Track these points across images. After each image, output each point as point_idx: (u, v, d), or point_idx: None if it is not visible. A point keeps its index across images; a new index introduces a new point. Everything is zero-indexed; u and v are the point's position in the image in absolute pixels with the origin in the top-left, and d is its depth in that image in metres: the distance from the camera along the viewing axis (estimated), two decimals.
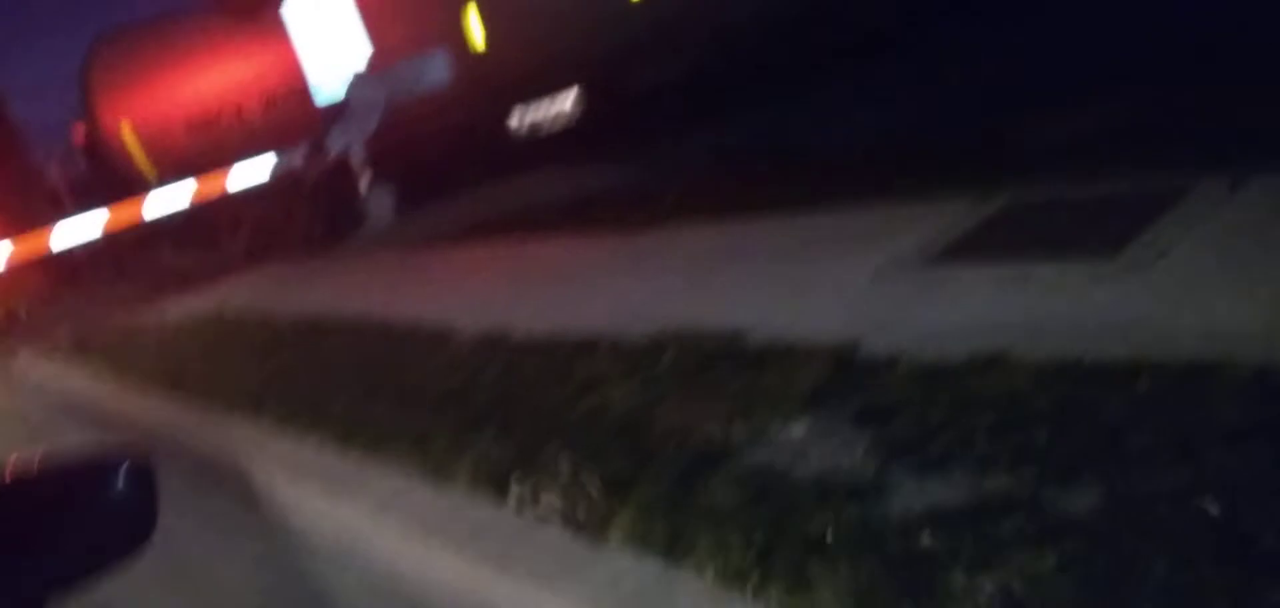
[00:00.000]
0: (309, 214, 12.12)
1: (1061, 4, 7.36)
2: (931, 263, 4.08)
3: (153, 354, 8.32)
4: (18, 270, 12.23)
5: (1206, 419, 2.34)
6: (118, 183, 13.24)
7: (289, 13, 12.64)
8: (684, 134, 9.18)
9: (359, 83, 11.61)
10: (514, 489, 3.39)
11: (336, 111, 11.89)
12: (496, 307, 6.02)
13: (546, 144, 10.72)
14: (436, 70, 12.09)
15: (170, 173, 12.68)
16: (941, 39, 8.04)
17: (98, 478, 1.56)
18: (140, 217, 12.37)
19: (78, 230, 12.31)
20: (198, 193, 12.42)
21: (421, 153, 11.67)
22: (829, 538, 2.39)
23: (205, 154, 12.66)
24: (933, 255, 4.13)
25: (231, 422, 5.44)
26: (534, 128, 11.27)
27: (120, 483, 1.54)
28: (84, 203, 13.48)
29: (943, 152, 5.50)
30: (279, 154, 12.42)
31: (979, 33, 7.70)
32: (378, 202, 11.72)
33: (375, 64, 11.71)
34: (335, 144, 11.68)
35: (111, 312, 12.00)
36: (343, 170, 11.77)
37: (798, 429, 3.07)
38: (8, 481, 1.49)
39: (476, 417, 4.23)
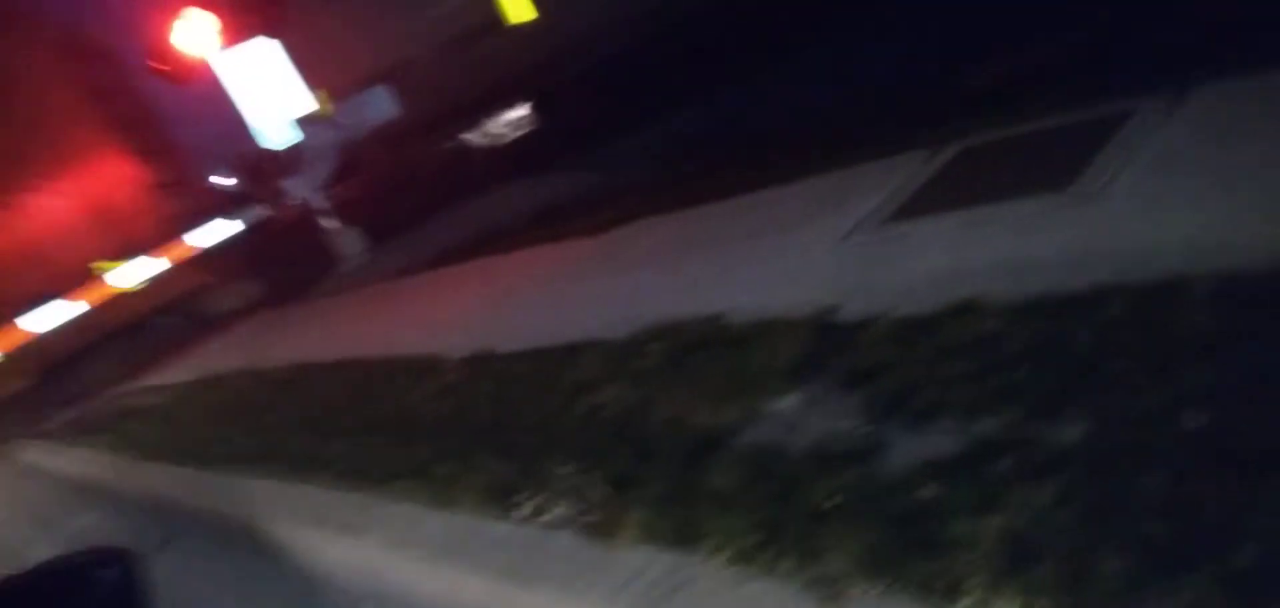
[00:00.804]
0: (282, 262, 12.11)
1: None
2: (894, 220, 4.18)
3: (150, 425, 8.30)
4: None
5: (1175, 334, 2.44)
6: None
7: (221, 67, 12.62)
8: (634, 131, 9.27)
9: (309, 127, 11.61)
10: (521, 503, 3.48)
11: (294, 158, 11.88)
12: (478, 327, 6.07)
13: (507, 158, 10.79)
14: (382, 104, 12.16)
15: None
16: (856, 21, 8.12)
17: (85, 581, 1.61)
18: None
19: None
20: (170, 258, 12.46)
21: (383, 185, 11.71)
22: (833, 505, 2.50)
23: None
24: (894, 212, 4.24)
25: (238, 480, 5.48)
26: (494, 139, 11.36)
27: (108, 583, 1.59)
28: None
29: (887, 113, 5.60)
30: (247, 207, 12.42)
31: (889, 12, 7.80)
32: (347, 241, 11.73)
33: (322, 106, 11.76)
34: (298, 190, 11.67)
35: (101, 389, 11.96)
36: (309, 214, 11.76)
37: (788, 402, 3.17)
38: None
39: (475, 438, 4.30)
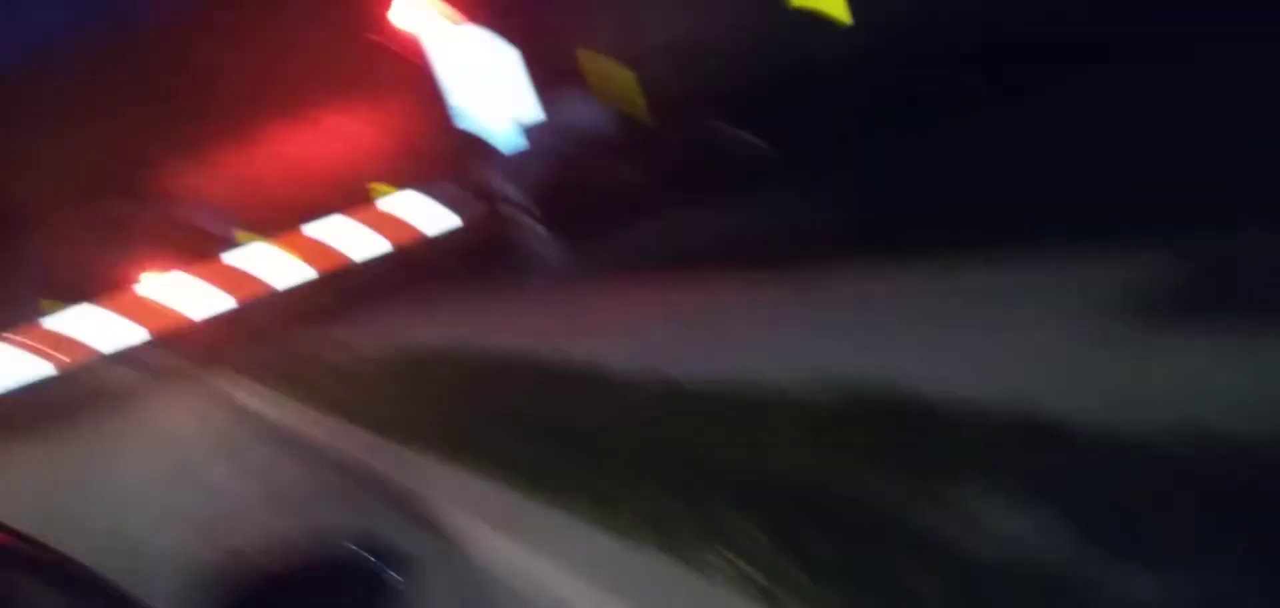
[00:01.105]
0: (488, 252, 12.55)
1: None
2: (1130, 321, 3.85)
3: (346, 384, 8.76)
4: None
5: None
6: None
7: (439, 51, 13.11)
8: (856, 166, 9.05)
9: (531, 127, 12.05)
10: (690, 547, 3.40)
11: (510, 153, 12.37)
12: (663, 349, 6.05)
13: (722, 174, 10.75)
14: (597, 113, 12.47)
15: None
16: (1106, 82, 7.56)
17: (358, 571, 1.60)
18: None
19: None
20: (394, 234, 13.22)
21: (594, 191, 11.94)
22: None
23: None
24: (1132, 312, 3.90)
25: (423, 458, 5.66)
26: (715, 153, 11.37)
27: (373, 580, 1.57)
28: None
29: (1131, 194, 5.15)
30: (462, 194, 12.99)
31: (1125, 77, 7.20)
32: (546, 240, 12.04)
33: (544, 109, 12.12)
34: (510, 184, 12.13)
35: (305, 338, 12.76)
36: (513, 209, 12.18)
37: (988, 505, 2.95)
38: (266, 569, 1.54)
39: (649, 467, 4.27)
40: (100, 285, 13.95)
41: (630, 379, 5.61)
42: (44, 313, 13.97)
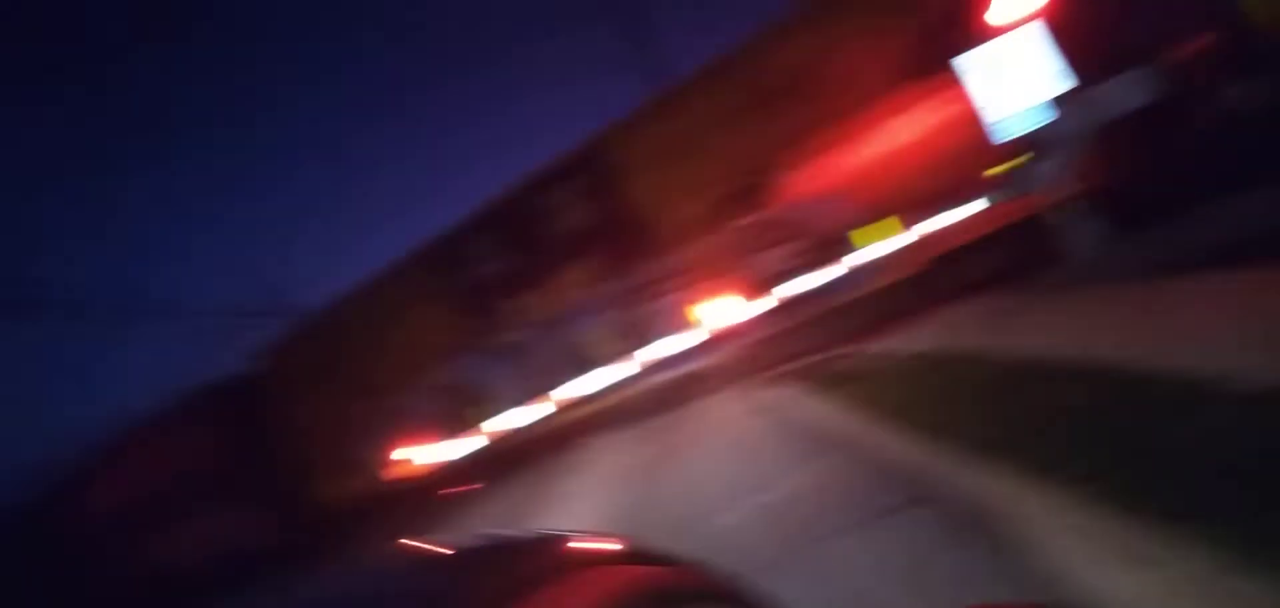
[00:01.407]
0: (1011, 249, 11.91)
1: None
2: None
3: (878, 389, 8.75)
4: None
5: None
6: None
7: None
8: None
9: (1059, 111, 11.19)
10: None
11: (1034, 143, 11.56)
12: (1247, 352, 5.16)
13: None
14: (1140, 88, 11.20)
15: None
16: None
17: None
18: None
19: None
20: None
21: (1129, 175, 10.77)
22: None
23: None
24: None
25: (975, 468, 5.46)
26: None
27: None
28: None
29: None
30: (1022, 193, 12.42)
31: None
32: (1082, 231, 11.06)
33: (1075, 90, 11.15)
34: (1036, 177, 11.37)
35: (829, 345, 13.11)
36: (1043, 202, 11.38)
37: None
38: None
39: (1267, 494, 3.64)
40: (712, 289, 15.60)
41: (1216, 388, 4.86)
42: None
